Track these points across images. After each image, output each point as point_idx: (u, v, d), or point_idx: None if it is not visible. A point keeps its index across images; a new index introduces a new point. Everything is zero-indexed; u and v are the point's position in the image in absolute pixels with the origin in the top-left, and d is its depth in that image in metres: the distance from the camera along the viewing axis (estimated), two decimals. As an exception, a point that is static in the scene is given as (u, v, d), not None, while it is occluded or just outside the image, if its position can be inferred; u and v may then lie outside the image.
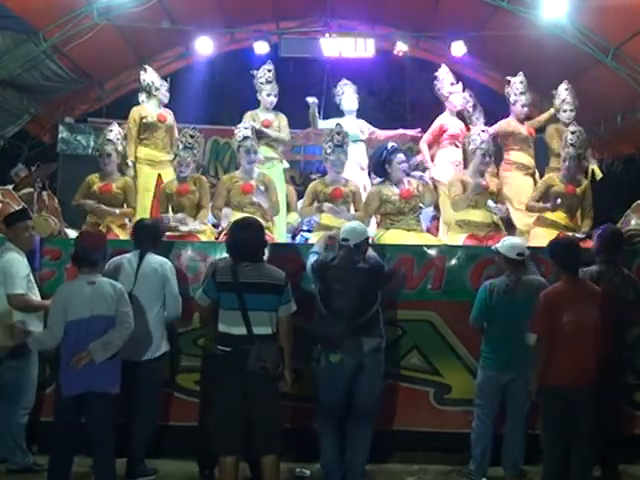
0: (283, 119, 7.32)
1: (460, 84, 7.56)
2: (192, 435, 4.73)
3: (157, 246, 4.99)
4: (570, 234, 5.86)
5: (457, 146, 7.33)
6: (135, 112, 7.28)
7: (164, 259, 4.93)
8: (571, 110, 7.08)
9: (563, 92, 7.16)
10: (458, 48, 10.21)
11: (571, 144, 6.11)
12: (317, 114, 7.31)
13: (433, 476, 5.02)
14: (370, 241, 5.09)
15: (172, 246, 5.37)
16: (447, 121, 7.41)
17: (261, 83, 7.30)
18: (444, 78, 7.52)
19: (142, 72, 7.49)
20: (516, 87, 7.28)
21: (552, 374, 4.39)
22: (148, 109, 7.33)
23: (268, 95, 7.28)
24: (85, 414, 4.29)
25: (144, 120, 7.22)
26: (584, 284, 4.52)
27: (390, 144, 6.02)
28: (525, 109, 7.33)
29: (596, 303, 4.44)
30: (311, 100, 7.19)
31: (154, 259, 4.87)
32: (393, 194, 5.85)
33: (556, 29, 8.66)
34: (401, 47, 10.41)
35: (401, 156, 5.85)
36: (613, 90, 8.90)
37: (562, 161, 6.26)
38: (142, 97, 7.70)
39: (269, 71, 7.34)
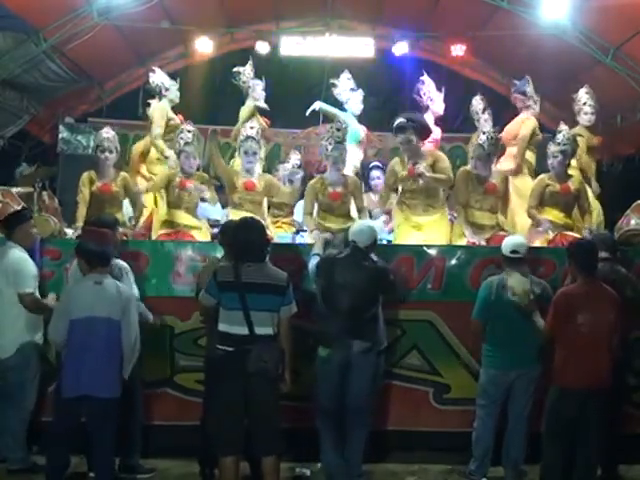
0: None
1: (443, 91, 7.61)
2: (193, 434, 4.72)
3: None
4: (569, 233, 5.84)
5: None
6: (162, 111, 7.09)
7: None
8: (592, 113, 7.05)
9: (584, 95, 7.14)
10: (458, 48, 10.24)
11: (557, 142, 6.04)
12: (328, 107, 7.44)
13: (433, 476, 5.02)
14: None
15: (167, 245, 5.37)
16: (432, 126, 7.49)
17: (251, 80, 7.44)
18: (429, 83, 7.58)
19: (151, 74, 7.40)
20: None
21: (564, 375, 4.37)
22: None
23: (263, 90, 7.43)
24: (85, 416, 4.28)
25: (171, 122, 7.06)
26: (601, 287, 4.45)
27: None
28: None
29: (612, 306, 4.39)
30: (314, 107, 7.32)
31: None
32: (403, 169, 5.96)
33: (556, 29, 8.68)
34: (401, 47, 10.44)
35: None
36: (613, 90, 8.89)
37: (549, 159, 6.12)
38: (154, 102, 7.36)
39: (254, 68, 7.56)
